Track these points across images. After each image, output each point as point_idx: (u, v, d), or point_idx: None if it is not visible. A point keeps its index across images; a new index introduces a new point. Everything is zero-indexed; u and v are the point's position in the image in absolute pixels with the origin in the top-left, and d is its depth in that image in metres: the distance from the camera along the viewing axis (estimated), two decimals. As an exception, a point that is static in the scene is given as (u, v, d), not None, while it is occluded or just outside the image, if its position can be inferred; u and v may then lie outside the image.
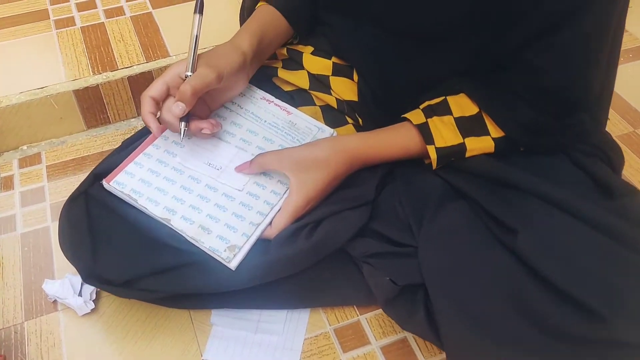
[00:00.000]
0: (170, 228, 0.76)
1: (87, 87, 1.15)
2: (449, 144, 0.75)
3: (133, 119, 1.24)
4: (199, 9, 0.78)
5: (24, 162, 1.17)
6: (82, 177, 1.06)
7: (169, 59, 1.20)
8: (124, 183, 0.78)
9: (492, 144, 0.75)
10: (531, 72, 0.71)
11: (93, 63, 1.20)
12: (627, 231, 0.65)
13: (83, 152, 1.18)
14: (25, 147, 1.19)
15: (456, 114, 0.76)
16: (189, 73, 0.75)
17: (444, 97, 0.78)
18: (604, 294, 0.62)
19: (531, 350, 0.64)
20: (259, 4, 0.87)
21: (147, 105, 0.75)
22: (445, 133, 0.76)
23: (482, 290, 0.70)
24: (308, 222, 0.78)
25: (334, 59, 0.89)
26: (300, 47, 0.91)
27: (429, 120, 0.77)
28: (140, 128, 1.15)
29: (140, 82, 1.19)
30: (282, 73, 0.91)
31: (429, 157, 0.77)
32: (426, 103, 0.78)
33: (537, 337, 0.64)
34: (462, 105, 0.77)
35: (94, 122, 1.20)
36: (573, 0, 0.65)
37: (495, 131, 0.75)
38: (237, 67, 0.78)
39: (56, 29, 1.30)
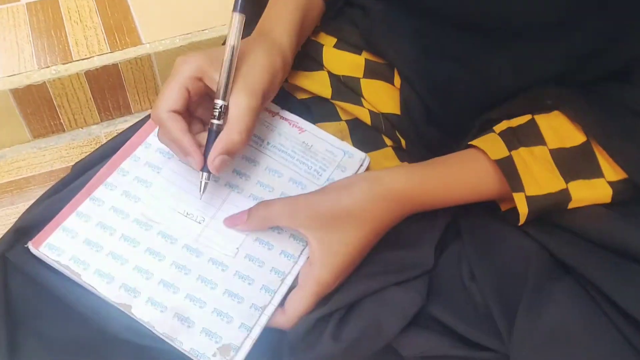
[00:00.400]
0: (131, 317, 0.62)
1: (30, 85, 0.99)
2: (546, 191, 0.63)
3: (94, 126, 1.09)
4: (240, 5, 0.64)
5: None
6: (22, 208, 0.98)
7: (141, 47, 1.04)
8: (59, 247, 0.63)
9: (609, 191, 0.63)
10: None
11: (39, 52, 1.04)
12: None
13: (27, 170, 1.02)
14: None
15: (552, 143, 0.65)
16: (219, 101, 0.61)
17: (530, 117, 0.67)
18: None
19: None
20: None
21: (173, 124, 0.61)
22: (539, 174, 0.64)
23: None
24: (336, 307, 0.64)
25: (366, 55, 0.78)
26: (319, 38, 0.79)
27: (513, 153, 0.65)
28: (103, 139, 1.08)
29: (102, 79, 1.03)
30: (294, 76, 0.78)
31: (511, 203, 0.67)
32: (505, 123, 0.67)
33: None
34: (560, 130, 0.65)
35: (42, 130, 1.06)
36: None
37: (612, 172, 0.64)
38: (280, 81, 0.69)
39: None
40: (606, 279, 0.60)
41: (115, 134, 1.03)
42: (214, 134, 0.59)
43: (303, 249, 0.63)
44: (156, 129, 0.69)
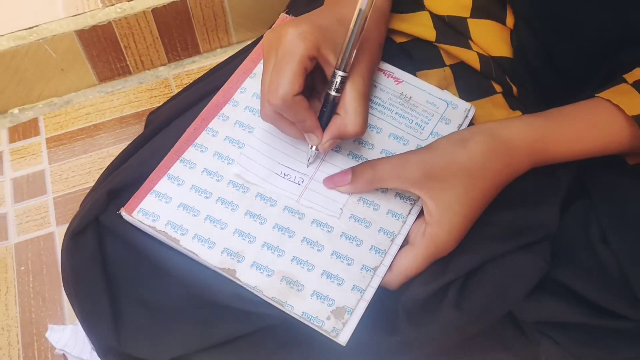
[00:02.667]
0: (236, 284, 0.61)
1: (96, 25, 0.97)
2: None
3: (161, 68, 1.06)
4: None
5: (16, 133, 0.98)
6: (95, 157, 0.94)
7: None
8: (154, 213, 0.61)
9: None
10: None
11: None
12: None
13: (96, 117, 1.00)
14: (16, 111, 1.03)
15: None
16: (341, 72, 0.58)
17: None
18: None
19: None
20: None
21: (299, 105, 0.58)
22: None
23: None
24: (457, 274, 0.61)
25: None
26: None
27: None
28: (175, 86, 1.06)
29: (169, 17, 0.99)
30: (392, 19, 0.73)
31: (636, 159, 0.65)
32: (639, 71, 0.62)
33: None
34: None
35: (109, 73, 1.04)
36: None
37: None
38: (381, 53, 0.66)
39: None
40: None
41: (184, 76, 1.00)
42: (330, 106, 0.57)
43: (411, 208, 0.63)
44: (242, 85, 0.66)
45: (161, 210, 0.61)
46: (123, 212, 0.61)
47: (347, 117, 0.60)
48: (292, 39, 0.59)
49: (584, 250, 0.63)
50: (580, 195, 0.65)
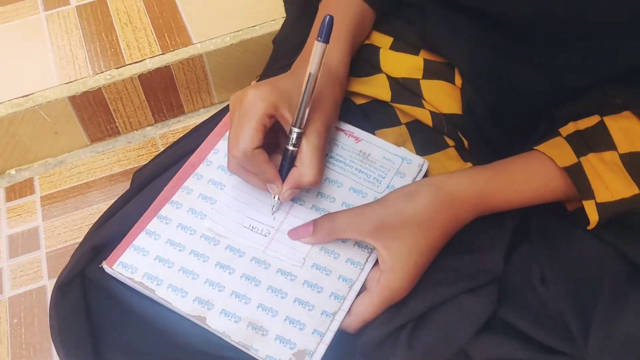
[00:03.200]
0: (206, 329, 0.63)
1: (87, 91, 1.02)
2: (618, 197, 0.62)
3: (149, 128, 1.12)
4: (325, 34, 0.62)
5: (12, 192, 1.03)
6: (86, 213, 0.98)
7: (192, 47, 1.05)
8: (132, 265, 0.65)
9: None
10: None
11: (92, 57, 1.06)
12: None
13: (87, 175, 1.05)
14: (13, 172, 1.08)
15: (623, 147, 0.63)
16: (296, 129, 0.63)
17: (599, 119, 0.65)
18: None
19: None
20: None
21: (258, 158, 0.63)
22: (610, 180, 0.62)
23: None
24: (410, 317, 0.65)
25: (424, 54, 0.77)
26: (374, 39, 0.78)
27: (582, 159, 0.63)
28: (161, 144, 1.10)
29: (154, 82, 1.05)
30: (352, 82, 0.77)
31: (578, 204, 0.67)
32: (572, 126, 0.66)
33: None
34: (631, 132, 0.64)
35: (99, 134, 1.10)
36: None
37: None
38: (339, 111, 0.70)
39: (45, 11, 1.15)
40: None
41: (170, 135, 1.05)
42: (289, 159, 0.62)
43: (368, 257, 0.65)
44: (215, 147, 0.71)
45: (139, 263, 0.65)
46: (105, 265, 0.65)
47: (302, 168, 0.63)
48: (252, 99, 0.63)
49: (527, 291, 0.66)
50: (525, 240, 0.68)
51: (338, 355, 0.63)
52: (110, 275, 0.65)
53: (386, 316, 0.64)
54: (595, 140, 0.65)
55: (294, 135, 0.63)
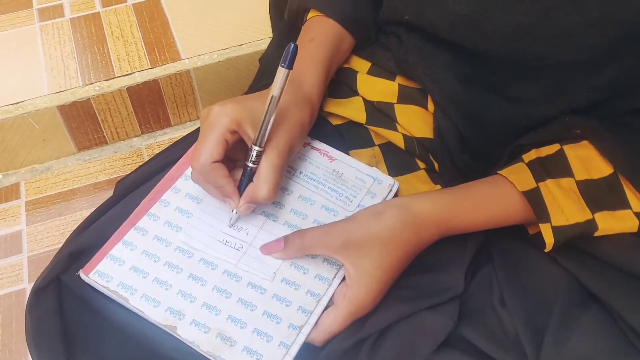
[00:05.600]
0: (177, 338, 0.64)
1: (75, 101, 1.04)
2: (572, 221, 0.64)
3: (135, 139, 1.14)
4: (289, 60, 0.64)
5: None
6: (69, 219, 0.99)
7: (180, 63, 1.07)
8: (108, 274, 0.66)
9: (636, 222, 0.64)
10: None
11: (83, 68, 1.08)
12: None
13: (73, 182, 1.06)
14: (0, 176, 1.08)
15: (579, 175, 0.65)
16: (256, 147, 0.64)
17: (559, 147, 0.68)
18: None
19: None
20: (309, 15, 0.78)
21: (217, 172, 0.64)
22: (566, 205, 0.65)
23: None
24: (372, 331, 0.66)
25: (399, 80, 0.78)
26: (352, 63, 0.80)
27: (540, 185, 0.66)
28: (147, 155, 1.12)
29: (143, 94, 1.07)
30: (329, 103, 0.79)
31: (538, 227, 0.67)
32: (534, 153, 0.68)
33: None
34: (587, 161, 0.66)
35: (87, 143, 1.12)
36: None
37: (639, 203, 0.66)
38: (307, 132, 0.71)
39: (40, 22, 1.16)
40: (631, 309, 0.61)
41: (156, 146, 1.06)
42: (248, 175, 0.63)
43: (336, 273, 0.66)
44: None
45: (115, 272, 0.65)
46: (81, 273, 0.66)
47: (258, 184, 0.65)
48: (216, 114, 0.65)
49: (487, 311, 0.67)
50: (488, 261, 0.70)
51: None
52: (86, 284, 0.67)
53: (350, 329, 0.64)
54: (554, 167, 0.67)
55: (254, 153, 0.64)
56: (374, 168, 0.73)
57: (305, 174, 0.72)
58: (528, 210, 0.66)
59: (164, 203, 0.68)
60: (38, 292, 0.67)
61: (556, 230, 0.64)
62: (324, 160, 0.73)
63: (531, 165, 0.67)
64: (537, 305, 0.65)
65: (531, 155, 0.67)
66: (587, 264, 0.66)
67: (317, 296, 0.65)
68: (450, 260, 0.69)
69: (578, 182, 0.65)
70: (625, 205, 0.65)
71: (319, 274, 0.67)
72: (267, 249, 0.67)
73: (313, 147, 0.74)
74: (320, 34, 0.77)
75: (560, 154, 0.67)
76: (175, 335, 0.62)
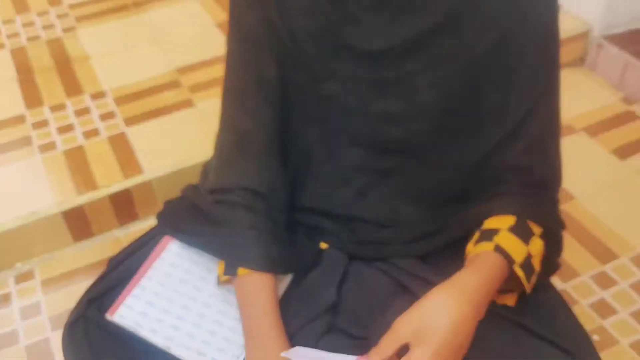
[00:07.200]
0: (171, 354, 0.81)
1: (74, 207, 1.33)
2: (523, 255, 0.75)
3: (115, 230, 1.40)
4: None
5: (19, 279, 1.31)
6: (74, 288, 1.23)
7: (145, 175, 1.39)
8: (125, 316, 0.84)
9: (542, 242, 0.77)
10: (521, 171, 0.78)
11: (77, 184, 1.37)
12: (532, 324, 0.76)
13: (72, 265, 1.33)
14: (19, 265, 1.33)
15: (504, 227, 0.77)
16: None
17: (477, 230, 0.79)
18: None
19: None
20: (241, 274, 0.80)
21: None
22: (514, 246, 0.75)
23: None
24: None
25: None
26: None
27: (495, 238, 0.76)
28: (122, 238, 1.33)
29: (120, 198, 1.36)
30: None
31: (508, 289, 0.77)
32: (476, 235, 0.78)
33: None
34: (500, 222, 0.78)
35: (80, 235, 1.37)
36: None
37: (537, 230, 0.77)
38: None
39: (40, 154, 1.47)
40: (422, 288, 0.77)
41: (131, 234, 1.29)
42: None
43: None
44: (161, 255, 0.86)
45: (129, 314, 0.81)
46: (107, 316, 0.81)
47: None
48: None
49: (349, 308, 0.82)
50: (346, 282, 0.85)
51: None
52: (103, 316, 0.81)
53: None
54: (489, 233, 0.75)
55: None
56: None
57: None
58: (506, 264, 0.73)
59: (152, 271, 0.85)
60: (71, 326, 0.83)
61: (522, 266, 0.73)
62: None
63: (477, 239, 0.75)
64: (371, 300, 0.81)
65: (474, 238, 0.76)
66: (404, 273, 0.81)
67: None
68: (324, 285, 0.83)
69: (508, 230, 0.76)
70: (532, 234, 0.76)
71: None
72: None
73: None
74: (258, 293, 0.78)
75: (483, 228, 0.77)
76: (170, 352, 0.80)
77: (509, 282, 0.76)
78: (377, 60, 0.76)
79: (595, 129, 1.56)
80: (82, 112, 1.58)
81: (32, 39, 1.85)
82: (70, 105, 1.60)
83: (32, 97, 1.62)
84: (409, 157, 0.81)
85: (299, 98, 0.80)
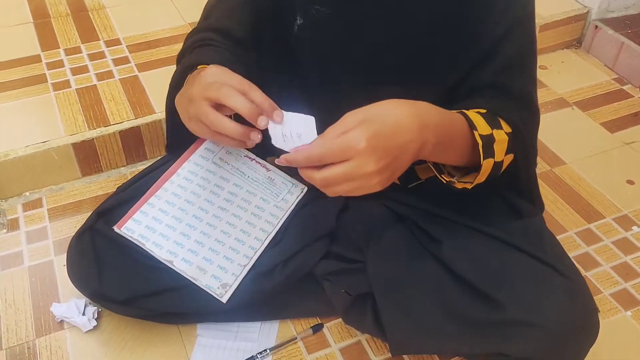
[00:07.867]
0: (173, 269, 0.88)
1: (84, 140, 1.33)
2: (486, 132, 0.76)
3: (123, 168, 1.41)
4: None
5: (27, 206, 1.33)
6: (79, 217, 1.27)
7: (155, 115, 1.39)
8: (132, 229, 0.89)
9: (507, 138, 0.79)
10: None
11: (88, 120, 1.37)
12: (520, 241, 0.84)
13: (79, 196, 1.34)
14: (27, 194, 1.34)
15: (473, 111, 0.79)
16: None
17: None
18: (501, 285, 0.81)
19: (451, 336, 0.83)
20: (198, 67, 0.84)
21: (218, 118, 0.74)
22: (479, 122, 0.77)
23: (417, 294, 0.87)
24: (282, 259, 0.94)
25: None
26: None
27: (465, 111, 0.78)
28: (128, 175, 1.36)
29: (130, 135, 1.37)
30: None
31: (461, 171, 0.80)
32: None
33: (455, 326, 0.83)
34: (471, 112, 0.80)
35: (89, 170, 1.37)
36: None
37: (506, 128, 0.79)
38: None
39: (54, 91, 1.47)
40: (418, 217, 0.90)
41: (137, 172, 1.36)
42: None
43: (278, 222, 0.91)
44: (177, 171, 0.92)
45: (136, 228, 0.88)
46: (115, 228, 0.88)
47: None
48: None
49: (346, 235, 0.96)
50: (347, 212, 0.98)
51: (245, 280, 0.88)
52: (110, 227, 0.91)
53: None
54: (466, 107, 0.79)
55: None
56: (293, 178, 0.93)
57: (251, 178, 0.93)
58: (470, 130, 0.76)
59: (162, 191, 0.92)
60: (78, 236, 0.96)
61: (482, 137, 0.74)
62: (263, 170, 0.94)
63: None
64: (369, 227, 0.93)
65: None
66: (402, 205, 0.93)
67: (260, 241, 0.89)
68: (327, 212, 0.97)
69: (481, 113, 0.79)
70: (500, 126, 0.79)
71: (277, 204, 0.90)
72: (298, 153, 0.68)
73: (256, 162, 0.93)
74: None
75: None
76: (172, 267, 0.88)
77: (470, 157, 0.76)
78: None
79: (588, 104, 1.61)
80: (96, 56, 1.59)
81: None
82: (85, 50, 1.61)
83: (47, 40, 1.63)
84: (388, 77, 0.83)
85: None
